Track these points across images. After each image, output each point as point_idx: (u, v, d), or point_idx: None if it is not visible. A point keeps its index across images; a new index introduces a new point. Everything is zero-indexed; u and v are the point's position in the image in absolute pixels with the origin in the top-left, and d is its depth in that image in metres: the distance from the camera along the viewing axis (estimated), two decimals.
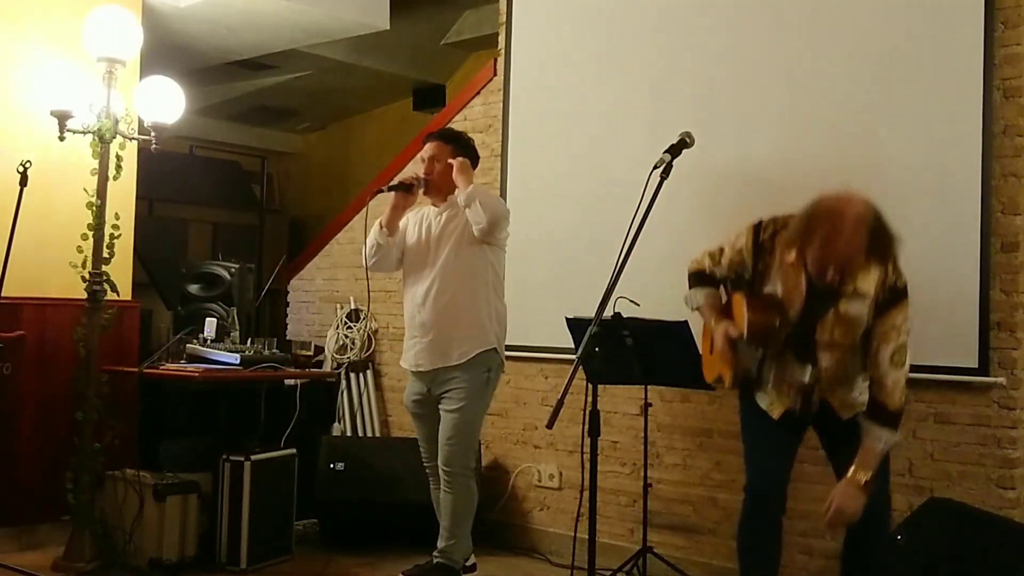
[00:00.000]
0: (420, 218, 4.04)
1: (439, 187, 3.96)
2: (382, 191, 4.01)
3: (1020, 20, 3.61)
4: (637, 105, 4.53)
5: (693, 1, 4.42)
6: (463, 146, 4.03)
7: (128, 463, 4.40)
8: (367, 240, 4.01)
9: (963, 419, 3.66)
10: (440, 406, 3.91)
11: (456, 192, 3.90)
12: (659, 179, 2.99)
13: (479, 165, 5.19)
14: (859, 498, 2.88)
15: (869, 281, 2.93)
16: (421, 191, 3.96)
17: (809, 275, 2.96)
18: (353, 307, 5.71)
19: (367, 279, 4.20)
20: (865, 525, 2.98)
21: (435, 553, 3.93)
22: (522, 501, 4.90)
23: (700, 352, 3.48)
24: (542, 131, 4.88)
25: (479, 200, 3.79)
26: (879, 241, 2.88)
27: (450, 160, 3.92)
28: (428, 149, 4.00)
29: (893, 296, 2.92)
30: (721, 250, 3.24)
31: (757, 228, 3.10)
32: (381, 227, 3.97)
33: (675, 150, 3.08)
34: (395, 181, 3.99)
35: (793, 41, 4.11)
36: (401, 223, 4.04)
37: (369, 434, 5.48)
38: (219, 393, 4.64)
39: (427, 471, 4.10)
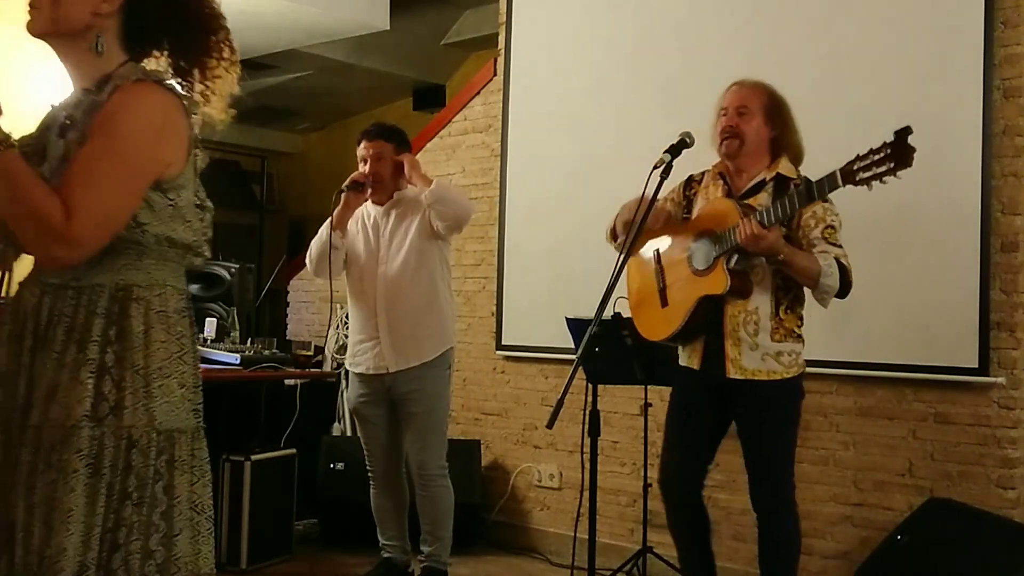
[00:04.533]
0: (360, 218, 3.96)
1: (385, 186, 3.90)
2: (343, 192, 3.88)
3: (1020, 20, 3.61)
4: (637, 104, 4.53)
5: (693, 2, 4.42)
6: (403, 141, 3.96)
7: None
8: (314, 243, 3.92)
9: (963, 419, 3.65)
10: (406, 408, 3.82)
11: (408, 189, 3.86)
12: (659, 179, 2.99)
13: (479, 165, 5.22)
14: (763, 236, 2.86)
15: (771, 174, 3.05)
16: (369, 191, 3.90)
17: (728, 186, 3.12)
18: None
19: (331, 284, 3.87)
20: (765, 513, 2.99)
21: (421, 558, 3.88)
22: (522, 501, 4.89)
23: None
24: (542, 131, 4.88)
25: (449, 197, 3.75)
26: (780, 112, 3.10)
27: (396, 158, 3.87)
28: (370, 148, 3.89)
29: (799, 196, 2.86)
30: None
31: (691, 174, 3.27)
32: (333, 228, 3.86)
33: (675, 150, 3.07)
34: (348, 181, 3.91)
35: (793, 41, 4.11)
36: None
37: None
38: (219, 393, 4.63)
39: (370, 476, 3.95)
